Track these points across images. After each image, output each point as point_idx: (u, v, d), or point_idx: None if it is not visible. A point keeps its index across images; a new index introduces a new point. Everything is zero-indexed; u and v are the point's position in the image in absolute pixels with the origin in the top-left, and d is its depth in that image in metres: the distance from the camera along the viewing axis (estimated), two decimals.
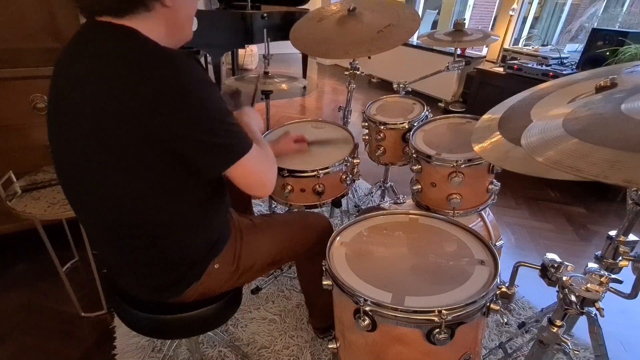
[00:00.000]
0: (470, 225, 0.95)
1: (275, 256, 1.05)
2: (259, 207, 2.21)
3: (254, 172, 0.80)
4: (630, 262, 0.85)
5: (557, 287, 0.70)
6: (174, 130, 0.68)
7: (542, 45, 3.31)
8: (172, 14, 0.73)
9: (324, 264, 0.82)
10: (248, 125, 1.01)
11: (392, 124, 1.59)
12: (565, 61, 2.92)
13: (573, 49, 3.24)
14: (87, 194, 0.78)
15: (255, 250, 1.00)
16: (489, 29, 4.22)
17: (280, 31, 3.73)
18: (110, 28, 0.69)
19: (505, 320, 1.52)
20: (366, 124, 1.70)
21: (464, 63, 1.69)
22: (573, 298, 0.66)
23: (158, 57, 0.67)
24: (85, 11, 0.71)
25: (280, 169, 1.22)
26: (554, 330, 0.74)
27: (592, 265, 0.70)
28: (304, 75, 4.85)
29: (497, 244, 1.41)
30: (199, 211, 0.83)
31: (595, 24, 3.42)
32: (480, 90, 3.37)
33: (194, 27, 0.82)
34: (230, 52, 4.88)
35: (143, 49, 0.68)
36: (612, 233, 0.92)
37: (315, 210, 1.31)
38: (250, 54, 5.57)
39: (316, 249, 1.06)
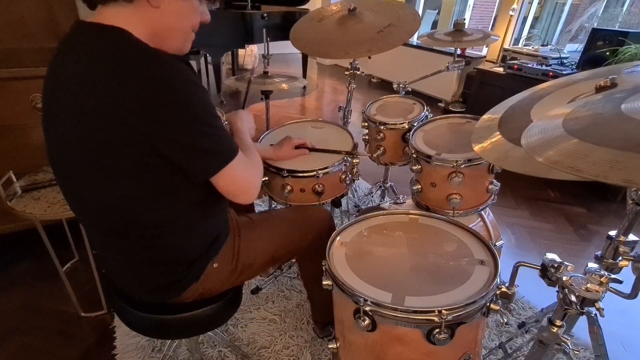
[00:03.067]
0: (470, 225, 0.95)
1: (274, 253, 1.05)
2: (259, 207, 2.21)
3: (238, 180, 0.79)
4: (630, 262, 0.85)
5: (557, 287, 0.70)
6: (159, 132, 0.67)
7: (542, 45, 3.30)
8: (158, 16, 0.72)
9: (323, 264, 0.82)
10: (240, 131, 1.01)
11: (392, 124, 1.59)
12: (565, 61, 2.92)
13: (573, 49, 3.24)
14: (83, 195, 0.78)
15: (254, 249, 1.00)
16: (489, 29, 4.22)
17: (280, 31, 3.73)
18: (100, 28, 0.68)
19: (505, 320, 1.52)
20: (366, 124, 1.70)
21: (464, 63, 1.69)
22: (573, 298, 0.66)
23: (144, 57, 0.67)
24: None
25: (279, 169, 1.22)
26: (554, 330, 0.74)
27: (592, 265, 0.70)
28: (304, 75, 4.86)
29: (497, 244, 1.41)
30: (196, 210, 0.83)
31: (595, 24, 3.42)
32: (480, 90, 3.37)
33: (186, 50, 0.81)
34: (230, 52, 4.89)
35: (130, 49, 0.67)
36: (612, 233, 0.91)
37: None
38: (250, 54, 5.57)
39: (317, 244, 1.06)
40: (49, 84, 0.74)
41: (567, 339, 0.75)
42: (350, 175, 1.35)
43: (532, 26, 3.71)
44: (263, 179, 1.26)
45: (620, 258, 0.90)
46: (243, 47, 3.91)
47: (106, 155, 0.69)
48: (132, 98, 0.64)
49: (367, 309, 0.72)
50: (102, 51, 0.67)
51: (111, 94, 0.65)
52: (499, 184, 1.24)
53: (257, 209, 2.19)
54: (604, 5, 3.49)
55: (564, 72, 2.70)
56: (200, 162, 0.74)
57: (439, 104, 4.21)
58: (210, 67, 4.42)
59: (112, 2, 0.69)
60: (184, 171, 0.74)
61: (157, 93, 0.65)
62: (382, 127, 1.61)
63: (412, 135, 1.35)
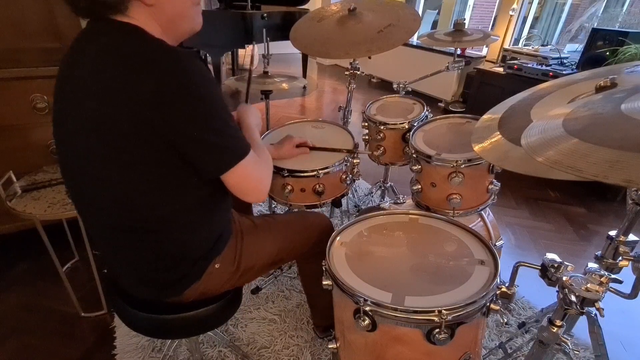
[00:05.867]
0: (470, 225, 0.95)
1: (275, 257, 1.05)
2: (259, 208, 2.21)
3: (249, 178, 0.80)
4: (630, 262, 0.85)
5: (557, 287, 0.70)
6: (173, 126, 0.68)
7: (542, 45, 3.31)
8: (159, 11, 0.73)
9: (324, 264, 0.82)
10: (249, 126, 1.00)
11: (392, 124, 1.59)
12: (565, 61, 2.92)
13: (573, 49, 3.24)
14: (90, 192, 0.78)
15: (256, 251, 1.00)
16: (489, 29, 4.22)
17: (280, 31, 3.73)
18: (115, 25, 0.69)
19: (505, 320, 1.52)
20: (366, 124, 1.70)
21: (464, 63, 1.69)
22: (573, 298, 0.66)
23: (160, 53, 0.68)
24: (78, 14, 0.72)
25: (280, 169, 1.22)
26: (554, 330, 0.74)
27: (592, 265, 0.70)
28: (304, 75, 4.85)
29: (497, 244, 1.41)
30: (200, 208, 0.83)
31: (595, 24, 3.42)
32: (480, 90, 3.37)
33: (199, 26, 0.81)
34: (230, 52, 4.88)
35: (145, 45, 0.68)
36: (612, 233, 0.91)
37: (315, 210, 1.31)
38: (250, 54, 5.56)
39: (317, 249, 1.06)
40: (62, 82, 0.74)
41: (567, 339, 0.75)
42: (350, 175, 1.35)
43: (532, 26, 3.71)
44: None
45: (620, 258, 0.90)
46: (243, 47, 3.90)
47: (117, 150, 0.69)
48: (148, 92, 0.65)
49: (367, 309, 0.72)
50: (118, 47, 0.67)
51: (127, 89, 0.65)
52: (499, 184, 1.24)
53: (257, 209, 2.19)
54: (604, 5, 3.49)
55: (564, 72, 2.70)
56: (213, 159, 0.74)
57: (439, 104, 4.21)
58: (210, 67, 4.42)
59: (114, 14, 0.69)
60: (196, 167, 0.74)
61: (173, 88, 0.66)
62: (382, 127, 1.61)
63: (412, 135, 1.35)
